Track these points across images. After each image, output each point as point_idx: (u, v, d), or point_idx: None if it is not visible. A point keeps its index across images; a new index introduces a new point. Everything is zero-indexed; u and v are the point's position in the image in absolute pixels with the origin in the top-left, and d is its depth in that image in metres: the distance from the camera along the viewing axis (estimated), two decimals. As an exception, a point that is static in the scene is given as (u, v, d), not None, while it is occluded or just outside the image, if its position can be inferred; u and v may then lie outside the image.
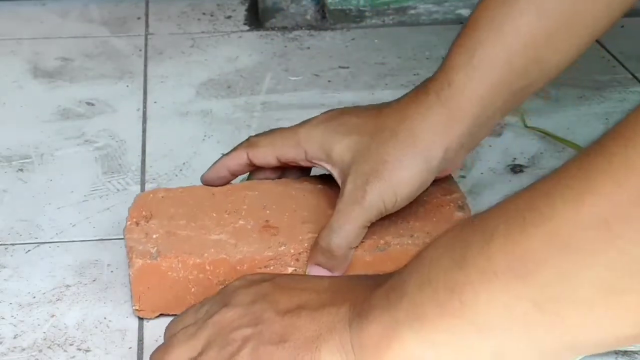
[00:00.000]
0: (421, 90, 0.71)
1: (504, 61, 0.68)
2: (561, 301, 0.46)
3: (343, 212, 0.69)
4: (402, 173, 0.69)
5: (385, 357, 0.52)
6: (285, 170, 0.78)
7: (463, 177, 0.88)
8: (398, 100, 0.72)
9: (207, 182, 0.77)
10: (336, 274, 0.69)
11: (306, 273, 0.69)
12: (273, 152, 0.74)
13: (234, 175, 0.77)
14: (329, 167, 0.72)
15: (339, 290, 0.58)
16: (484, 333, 0.49)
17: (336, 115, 0.74)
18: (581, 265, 0.45)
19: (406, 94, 0.72)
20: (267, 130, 0.77)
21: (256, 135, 0.77)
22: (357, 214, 0.68)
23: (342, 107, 0.76)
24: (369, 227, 0.69)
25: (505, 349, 0.49)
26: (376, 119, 0.71)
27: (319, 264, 0.69)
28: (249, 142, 0.76)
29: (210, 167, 0.77)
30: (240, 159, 0.76)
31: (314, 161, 0.73)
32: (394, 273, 0.54)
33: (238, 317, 0.58)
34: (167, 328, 0.63)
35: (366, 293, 0.55)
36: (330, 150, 0.71)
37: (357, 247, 0.70)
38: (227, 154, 0.77)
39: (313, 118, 0.75)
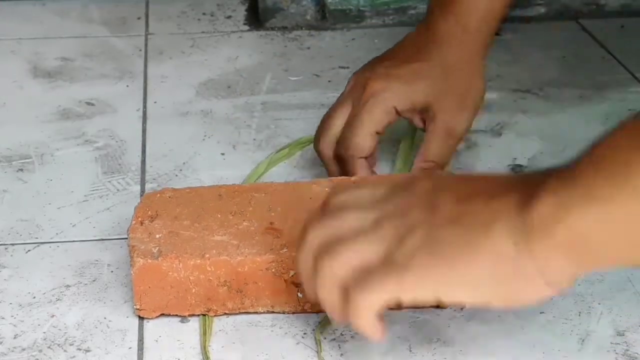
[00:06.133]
0: (442, 35, 0.82)
1: None
2: None
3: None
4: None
5: (552, 234, 0.53)
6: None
7: (463, 177, 0.88)
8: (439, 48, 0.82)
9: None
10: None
11: None
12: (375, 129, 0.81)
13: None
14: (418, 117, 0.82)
15: (513, 180, 0.59)
16: None
17: (397, 63, 0.82)
18: None
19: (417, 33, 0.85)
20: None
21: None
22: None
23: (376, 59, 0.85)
24: None
25: None
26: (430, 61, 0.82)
27: None
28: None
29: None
30: (372, 142, 0.81)
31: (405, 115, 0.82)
32: (567, 162, 0.55)
33: (415, 201, 0.60)
34: (333, 194, 0.64)
35: (539, 181, 0.56)
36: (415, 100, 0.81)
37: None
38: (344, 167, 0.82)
39: (378, 71, 0.82)
